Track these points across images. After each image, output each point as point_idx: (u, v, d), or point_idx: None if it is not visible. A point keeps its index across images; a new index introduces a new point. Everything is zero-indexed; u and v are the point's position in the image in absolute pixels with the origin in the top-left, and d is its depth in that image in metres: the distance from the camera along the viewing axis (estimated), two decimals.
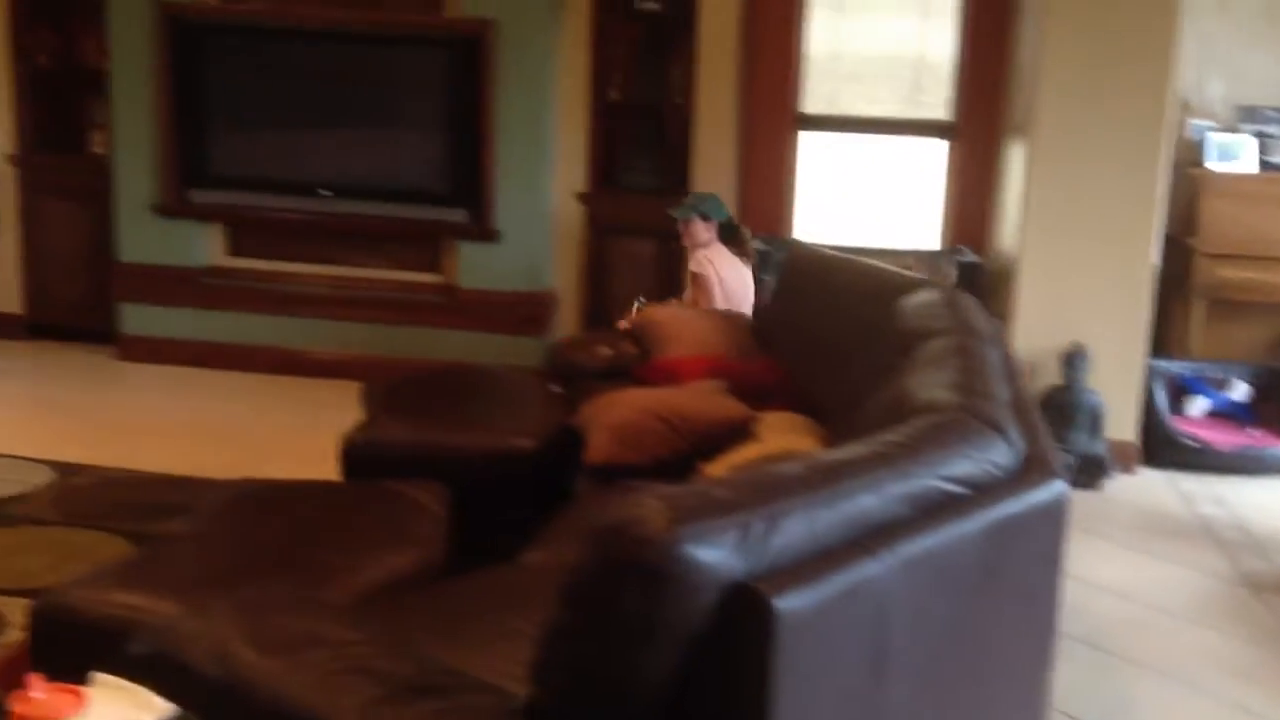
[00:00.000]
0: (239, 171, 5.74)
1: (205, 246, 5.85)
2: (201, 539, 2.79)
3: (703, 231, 4.87)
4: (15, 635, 3.12)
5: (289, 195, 5.70)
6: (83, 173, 6.02)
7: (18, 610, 3.23)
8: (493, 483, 3.48)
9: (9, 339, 6.09)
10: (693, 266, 4.92)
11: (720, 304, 4.79)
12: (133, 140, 5.72)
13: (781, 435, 3.13)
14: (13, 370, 5.74)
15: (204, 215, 5.80)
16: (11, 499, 4.06)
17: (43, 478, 4.26)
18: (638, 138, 5.84)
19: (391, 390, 4.08)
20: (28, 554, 3.65)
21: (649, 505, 1.65)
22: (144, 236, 5.79)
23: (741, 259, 4.97)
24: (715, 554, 1.62)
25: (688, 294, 5.04)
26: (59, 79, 6.12)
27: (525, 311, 5.70)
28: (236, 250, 5.89)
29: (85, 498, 4.11)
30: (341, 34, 5.59)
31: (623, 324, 4.81)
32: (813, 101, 5.77)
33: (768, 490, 1.77)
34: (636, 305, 5.09)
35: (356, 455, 3.50)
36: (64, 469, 4.35)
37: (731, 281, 4.88)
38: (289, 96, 5.72)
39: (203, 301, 5.80)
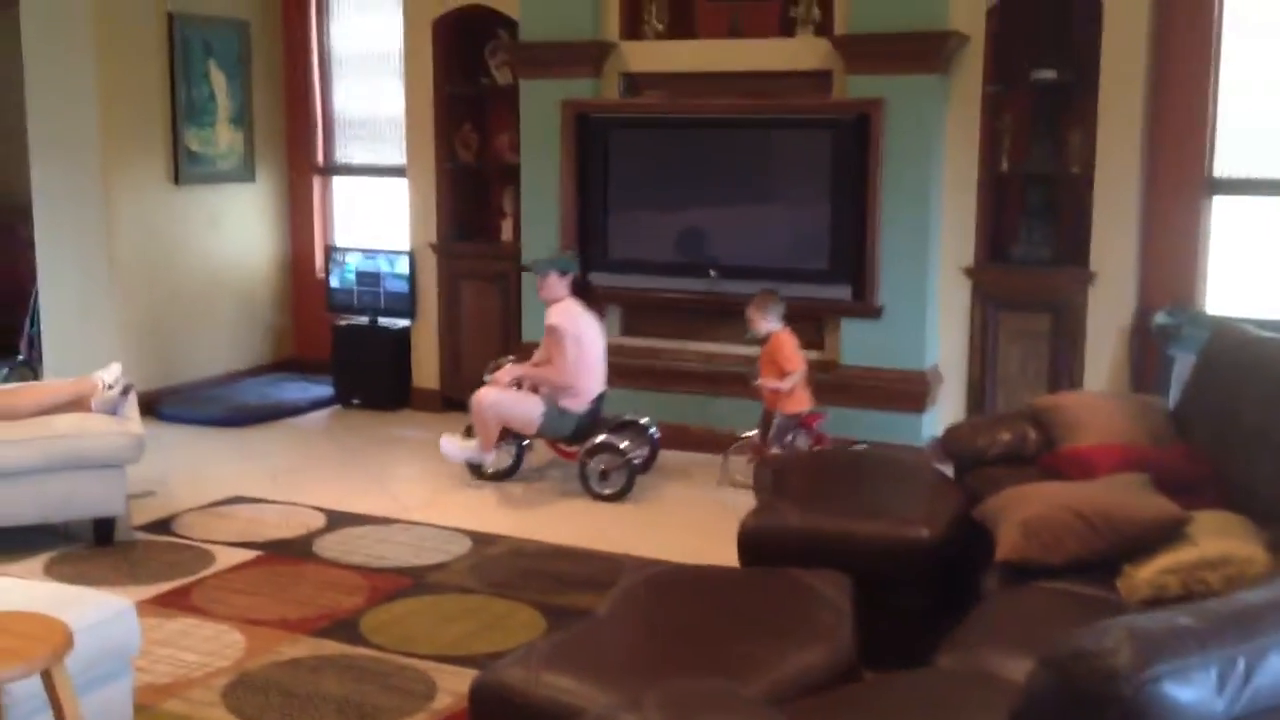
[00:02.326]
0: (634, 254, 6.01)
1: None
2: (619, 622, 2.89)
3: (559, 287, 5.24)
4: (445, 701, 3.35)
5: (679, 276, 5.91)
6: (495, 259, 6.53)
7: (447, 676, 3.48)
8: (888, 573, 3.42)
9: (428, 411, 6.66)
10: (549, 319, 5.22)
11: (573, 356, 5.15)
12: (538, 228, 6.14)
13: (1218, 539, 2.87)
14: (430, 442, 6.23)
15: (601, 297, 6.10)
16: (435, 567, 4.39)
17: (460, 547, 4.59)
18: (1030, 209, 5.63)
19: (782, 471, 4.10)
20: (452, 621, 3.91)
21: (1116, 634, 1.55)
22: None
23: (594, 312, 5.33)
24: (1192, 693, 1.50)
25: (541, 349, 5.34)
26: (476, 173, 6.70)
27: (907, 389, 5.59)
28: (629, 329, 6.16)
29: (498, 568, 4.38)
30: (731, 121, 5.78)
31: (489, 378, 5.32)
32: (1226, 164, 5.36)
33: (1245, 621, 1.62)
34: (496, 363, 5.53)
35: (754, 539, 3.53)
36: (479, 539, 4.67)
37: (585, 333, 5.23)
38: (680, 183, 5.96)
39: None
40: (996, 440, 3.96)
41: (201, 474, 5.47)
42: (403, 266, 6.69)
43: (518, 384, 5.34)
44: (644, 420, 5.55)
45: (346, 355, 6.83)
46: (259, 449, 5.98)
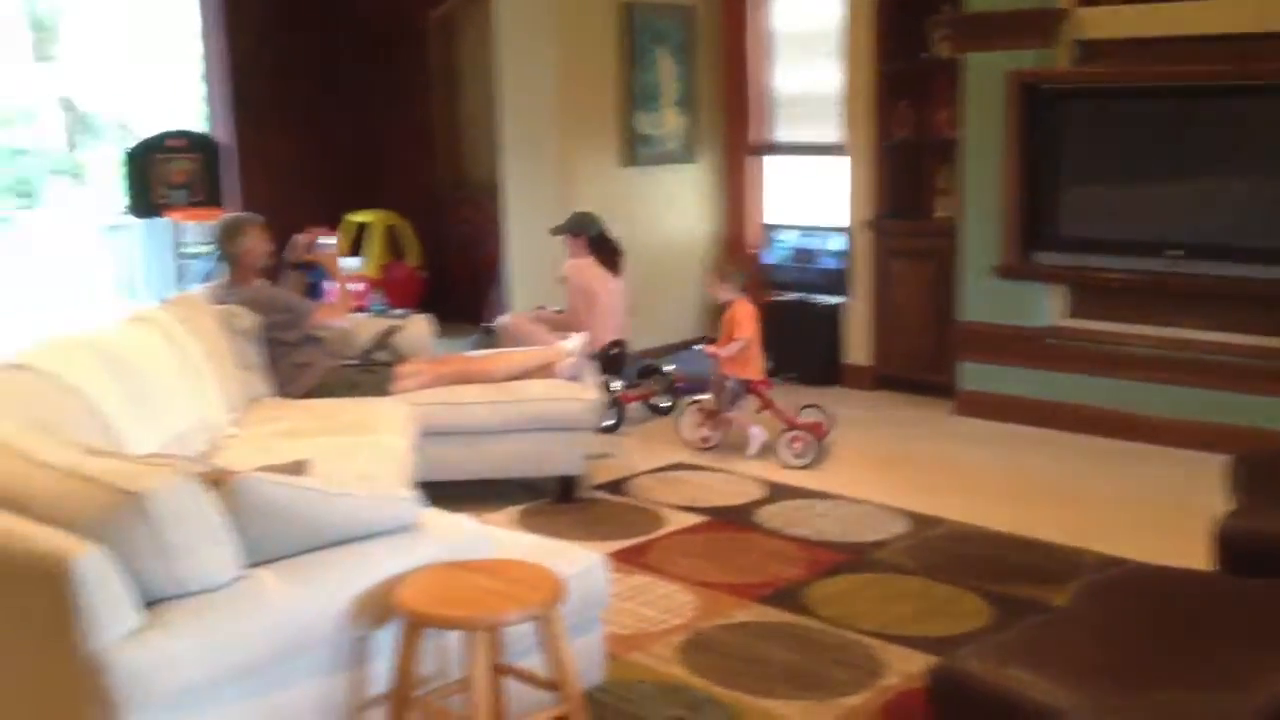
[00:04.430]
0: (1083, 232, 5.71)
1: (1045, 307, 5.90)
2: (1085, 620, 2.77)
3: (576, 247, 5.91)
4: (892, 680, 3.36)
5: (1134, 256, 5.56)
6: (928, 236, 6.42)
7: (894, 656, 3.49)
8: None
9: (858, 388, 6.69)
10: (563, 271, 5.91)
11: (579, 306, 5.81)
12: (979, 204, 5.96)
13: None
14: (862, 420, 6.25)
15: (1046, 276, 5.85)
16: (873, 544, 4.40)
17: (900, 526, 4.57)
18: None
19: (1260, 469, 3.75)
20: (893, 601, 3.91)
21: None
22: (985, 296, 6.00)
23: (610, 268, 5.90)
24: None
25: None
26: (912, 149, 6.61)
27: None
28: (1076, 311, 5.86)
29: (940, 550, 4.33)
30: (1204, 89, 5.34)
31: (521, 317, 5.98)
32: None
33: None
34: (538, 309, 6.12)
35: (1235, 543, 3.26)
36: (919, 520, 4.63)
37: (596, 287, 5.83)
38: (1138, 156, 5.58)
39: (1039, 361, 5.86)
40: None
41: (650, 439, 5.79)
42: (837, 244, 6.73)
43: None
44: (668, 368, 6.22)
45: (779, 330, 6.95)
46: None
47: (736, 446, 5.54)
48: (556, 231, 6.03)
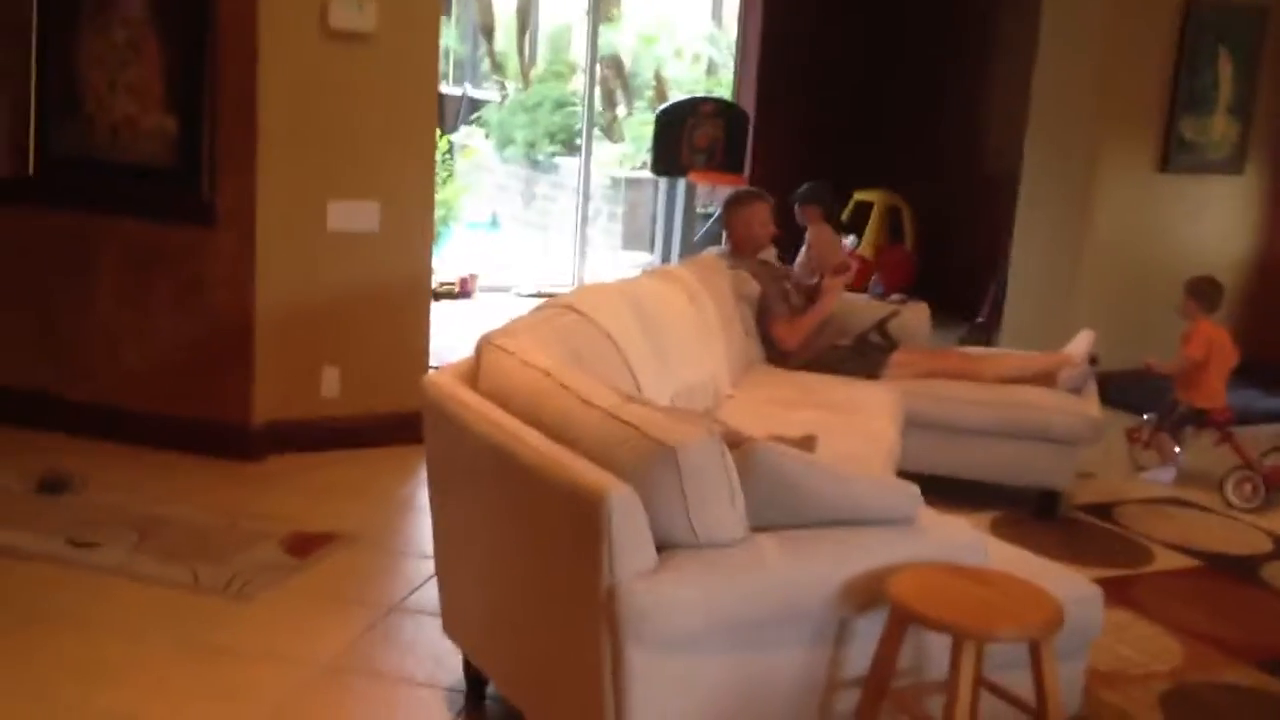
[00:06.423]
0: None
1: None
2: None
3: (814, 214, 6.63)
4: None
5: None
6: None
7: None
8: None
9: None
10: (808, 236, 6.59)
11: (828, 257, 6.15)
12: None
13: None
14: None
15: None
16: None
17: None
18: None
19: None
20: None
21: None
22: None
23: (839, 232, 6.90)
24: None
25: (802, 254, 6.53)
26: None
27: None
28: None
29: None
30: None
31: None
32: None
33: None
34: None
35: None
36: None
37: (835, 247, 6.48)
38: None
39: None
40: None
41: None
42: None
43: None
44: None
45: None
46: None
47: (1200, 482, 5.14)
48: (799, 200, 6.76)
